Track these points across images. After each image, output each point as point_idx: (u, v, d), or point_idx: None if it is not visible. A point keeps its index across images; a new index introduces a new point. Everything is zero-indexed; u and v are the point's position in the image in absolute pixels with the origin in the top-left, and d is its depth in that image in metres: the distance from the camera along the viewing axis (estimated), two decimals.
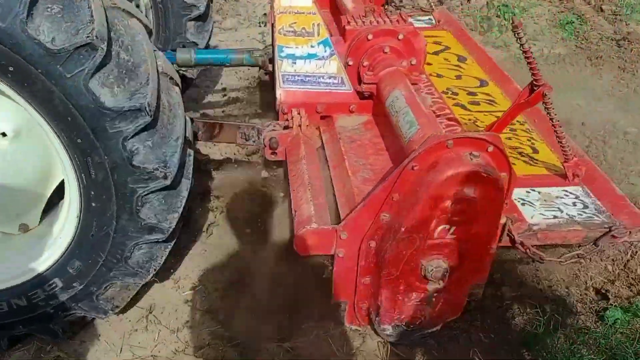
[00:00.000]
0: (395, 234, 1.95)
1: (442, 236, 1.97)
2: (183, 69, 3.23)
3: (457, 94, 2.98)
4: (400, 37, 2.55)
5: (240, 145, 3.16)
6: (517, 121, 2.68)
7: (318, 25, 2.63)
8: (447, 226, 1.95)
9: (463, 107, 2.86)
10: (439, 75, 3.16)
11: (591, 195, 2.26)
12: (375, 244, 2.04)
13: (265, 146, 2.59)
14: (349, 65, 2.49)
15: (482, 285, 2.21)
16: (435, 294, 2.13)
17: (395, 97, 2.32)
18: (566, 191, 2.28)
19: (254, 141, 2.74)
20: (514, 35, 2.07)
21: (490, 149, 1.87)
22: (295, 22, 2.65)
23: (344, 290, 2.22)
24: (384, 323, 2.21)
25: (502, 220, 2.02)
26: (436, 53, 3.40)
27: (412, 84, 2.51)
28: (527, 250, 2.07)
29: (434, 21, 3.75)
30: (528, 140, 2.62)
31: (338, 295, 2.24)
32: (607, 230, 2.07)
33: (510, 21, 2.39)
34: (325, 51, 2.63)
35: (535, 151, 2.54)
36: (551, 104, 2.22)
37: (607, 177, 2.36)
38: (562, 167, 2.35)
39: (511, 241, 2.07)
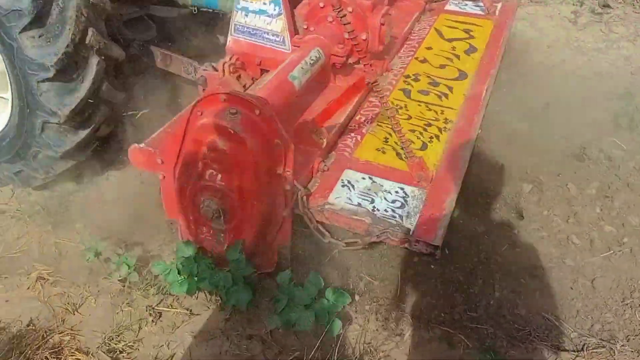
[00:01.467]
0: (180, 168, 2.18)
1: (212, 180, 2.14)
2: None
3: (416, 80, 3.11)
4: (349, 9, 2.65)
5: (185, 77, 3.34)
6: (420, 116, 2.79)
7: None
8: (213, 172, 2.12)
9: (404, 91, 3.00)
10: (423, 60, 3.30)
11: (422, 199, 2.25)
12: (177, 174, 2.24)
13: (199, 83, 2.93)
14: (304, 29, 2.55)
15: (286, 248, 2.31)
16: (221, 234, 2.29)
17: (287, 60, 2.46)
18: (402, 189, 2.31)
19: (192, 76, 3.12)
20: None
21: (257, 112, 1.97)
22: None
23: (171, 210, 2.42)
24: None
25: (288, 187, 2.11)
26: (450, 40, 3.54)
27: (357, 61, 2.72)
28: (311, 223, 2.18)
29: (480, 9, 3.89)
30: (415, 133, 2.68)
31: (169, 214, 2.46)
32: (389, 231, 2.09)
33: None
34: (275, 10, 2.76)
35: (424, 147, 2.60)
36: (386, 102, 2.35)
37: (454, 186, 2.34)
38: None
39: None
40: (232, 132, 1.96)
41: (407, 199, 2.26)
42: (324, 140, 2.38)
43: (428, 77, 3.17)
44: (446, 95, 3.02)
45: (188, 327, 2.40)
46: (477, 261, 2.69)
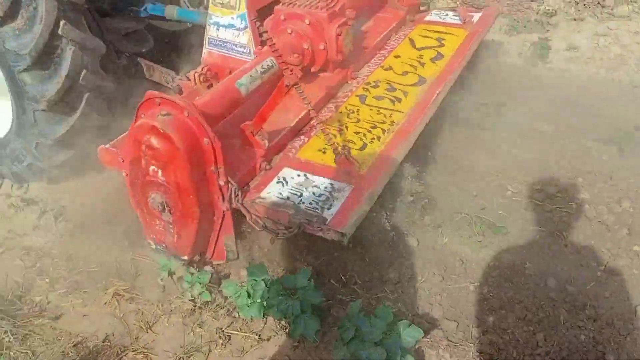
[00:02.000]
0: (130, 165, 2.39)
1: (154, 175, 2.32)
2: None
3: (375, 87, 3.26)
4: (307, 21, 2.88)
5: (165, 86, 3.64)
6: (369, 120, 2.94)
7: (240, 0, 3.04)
8: (154, 167, 2.29)
9: (360, 97, 3.16)
10: (388, 68, 3.47)
11: (346, 194, 2.39)
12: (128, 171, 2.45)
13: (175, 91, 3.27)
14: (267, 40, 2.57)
15: (232, 239, 2.52)
16: (170, 226, 2.46)
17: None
18: (332, 184, 2.45)
19: (171, 85, 3.46)
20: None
21: (186, 113, 2.19)
22: None
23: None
24: (148, 238, 2.65)
25: (222, 183, 2.31)
26: (420, 48, 3.70)
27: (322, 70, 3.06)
28: (247, 215, 2.35)
29: (459, 19, 3.98)
30: (359, 135, 2.81)
31: (135, 209, 2.58)
32: (307, 221, 2.24)
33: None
34: (241, 24, 3.07)
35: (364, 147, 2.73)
36: (305, 99, 2.50)
37: (379, 183, 2.48)
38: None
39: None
40: (162, 131, 2.17)
41: (333, 194, 2.41)
42: (266, 141, 2.55)
43: (388, 83, 3.31)
44: (399, 100, 3.14)
45: (257, 353, 2.40)
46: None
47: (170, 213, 2.41)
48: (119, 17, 3.80)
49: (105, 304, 2.68)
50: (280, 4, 3.06)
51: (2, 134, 3.33)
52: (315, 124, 2.78)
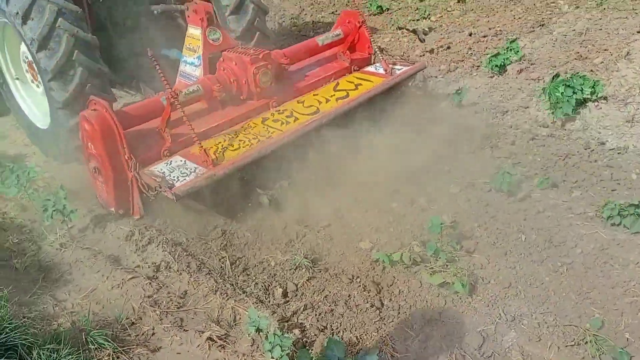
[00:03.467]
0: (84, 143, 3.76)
1: (90, 148, 3.64)
2: None
3: (280, 113, 4.26)
4: (234, 63, 4.30)
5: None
6: (255, 133, 3.97)
7: (198, 46, 4.46)
8: (89, 143, 3.64)
9: (263, 119, 4.17)
10: (301, 102, 4.45)
11: (197, 174, 3.47)
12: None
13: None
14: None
15: (140, 198, 3.71)
16: (102, 185, 3.78)
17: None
18: (196, 168, 3.54)
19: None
20: None
21: (105, 110, 3.53)
22: (191, 43, 4.57)
23: None
24: (98, 199, 4.04)
25: (126, 157, 3.56)
26: (337, 90, 4.62)
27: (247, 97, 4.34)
28: (138, 181, 3.57)
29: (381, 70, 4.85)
30: (240, 141, 3.88)
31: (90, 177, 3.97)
32: (161, 186, 3.34)
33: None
34: (198, 62, 4.49)
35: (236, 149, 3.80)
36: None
37: (223, 171, 3.50)
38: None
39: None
40: (88, 119, 3.54)
41: (190, 173, 3.50)
42: (169, 138, 3.78)
43: (291, 112, 4.27)
44: (288, 123, 4.07)
45: None
46: None
47: (100, 175, 3.71)
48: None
49: (197, 346, 2.83)
50: (226, 51, 4.37)
51: (47, 125, 4.71)
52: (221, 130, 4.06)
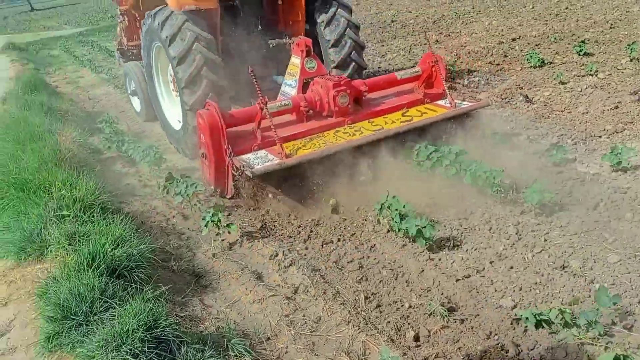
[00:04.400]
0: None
1: (201, 138, 4.81)
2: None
3: (350, 128, 5.12)
4: (320, 86, 5.28)
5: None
6: (329, 140, 4.91)
7: (297, 72, 5.53)
8: (201, 134, 4.79)
9: (335, 131, 5.07)
10: (371, 122, 5.28)
11: (273, 162, 4.46)
12: None
13: None
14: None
15: (234, 181, 4.78)
16: (206, 167, 4.92)
17: None
18: (272, 158, 4.53)
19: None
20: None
21: (214, 110, 4.61)
22: (292, 69, 5.67)
23: None
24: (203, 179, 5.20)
25: (225, 146, 4.65)
26: (404, 115, 5.38)
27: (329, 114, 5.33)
28: (231, 165, 4.66)
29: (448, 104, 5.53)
30: (313, 143, 4.84)
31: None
32: (244, 168, 4.43)
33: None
34: (295, 84, 5.56)
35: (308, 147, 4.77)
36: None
37: (293, 162, 4.49)
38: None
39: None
40: (201, 115, 4.67)
41: (269, 161, 4.47)
42: (259, 136, 4.78)
43: (360, 128, 5.09)
44: (353, 135, 4.93)
45: None
46: None
47: (206, 159, 4.82)
48: None
49: None
50: (317, 77, 5.38)
51: (180, 127, 6.14)
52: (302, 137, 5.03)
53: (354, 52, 6.34)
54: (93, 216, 4.06)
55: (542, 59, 8.14)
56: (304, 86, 5.51)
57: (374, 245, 4.14)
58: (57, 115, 7.85)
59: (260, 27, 6.80)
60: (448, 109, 5.35)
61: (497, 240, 3.95)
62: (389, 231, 4.22)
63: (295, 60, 5.62)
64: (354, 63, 6.37)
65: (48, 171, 4.75)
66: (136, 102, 8.22)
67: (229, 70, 5.78)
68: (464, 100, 5.64)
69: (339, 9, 6.35)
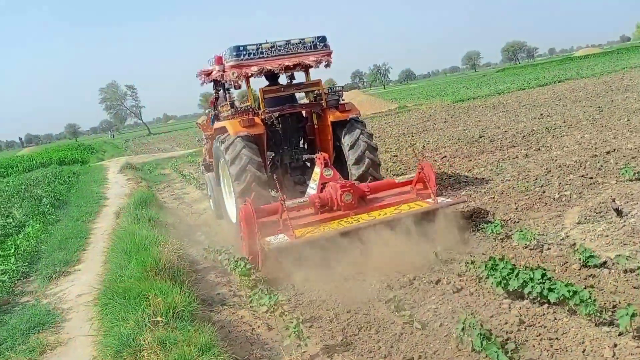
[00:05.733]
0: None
1: (241, 226, 6.68)
2: None
3: (350, 218, 6.68)
4: (331, 189, 6.99)
5: None
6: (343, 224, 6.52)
7: (317, 178, 7.24)
8: (240, 222, 6.73)
9: (339, 221, 6.58)
10: (369, 214, 6.75)
11: (283, 240, 6.06)
12: None
13: None
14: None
15: (261, 257, 6.32)
16: (245, 247, 6.58)
17: None
18: (283, 237, 6.15)
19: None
20: None
21: (249, 205, 6.38)
22: (314, 176, 7.43)
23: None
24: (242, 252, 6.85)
25: (256, 232, 6.31)
26: (395, 209, 6.81)
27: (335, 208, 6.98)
28: (260, 246, 6.25)
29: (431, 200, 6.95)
30: (319, 230, 6.36)
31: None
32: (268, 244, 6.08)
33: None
34: (315, 186, 7.26)
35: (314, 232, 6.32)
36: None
37: (299, 243, 5.92)
38: None
39: None
40: (241, 209, 6.53)
41: (283, 241, 5.99)
42: (281, 225, 6.35)
43: (359, 218, 6.57)
44: (352, 223, 6.39)
45: None
46: None
47: (244, 241, 6.41)
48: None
49: None
50: (332, 182, 7.00)
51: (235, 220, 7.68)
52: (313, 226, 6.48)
53: (371, 168, 7.98)
54: (183, 323, 4.31)
55: (638, 172, 7.83)
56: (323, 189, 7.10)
57: None
58: (163, 228, 8.57)
59: (301, 145, 8.92)
60: (430, 204, 6.73)
61: None
62: (473, 350, 4.06)
63: (317, 169, 7.31)
64: (371, 177, 7.92)
65: (148, 280, 5.16)
66: (211, 203, 10.29)
67: (275, 177, 7.34)
68: (447, 198, 7.38)
69: (361, 135, 7.99)
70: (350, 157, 7.94)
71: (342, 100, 8.48)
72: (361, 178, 7.77)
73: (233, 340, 4.63)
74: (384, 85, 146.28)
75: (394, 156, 14.27)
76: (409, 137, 18.32)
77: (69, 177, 21.08)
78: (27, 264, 8.36)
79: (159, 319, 4.29)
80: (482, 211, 7.69)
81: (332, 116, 8.12)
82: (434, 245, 6.17)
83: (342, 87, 8.84)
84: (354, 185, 6.83)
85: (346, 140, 8.01)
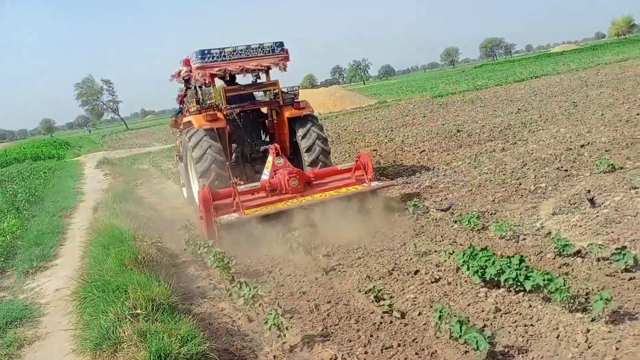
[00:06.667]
0: None
1: (200, 207, 7.71)
2: None
3: (299, 201, 7.71)
4: (279, 175, 8.03)
5: None
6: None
7: (270, 165, 8.32)
8: (199, 204, 7.71)
9: (284, 201, 7.68)
10: (309, 196, 7.91)
11: (232, 216, 7.29)
12: None
13: None
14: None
15: (216, 228, 7.27)
16: (203, 226, 7.55)
17: None
18: (238, 216, 7.31)
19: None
20: None
21: (206, 189, 7.45)
22: (268, 164, 8.45)
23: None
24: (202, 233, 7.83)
25: (212, 212, 7.41)
26: (335, 192, 8.00)
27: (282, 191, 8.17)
28: (216, 224, 7.22)
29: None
30: (263, 208, 7.58)
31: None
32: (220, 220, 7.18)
33: None
34: (267, 173, 8.27)
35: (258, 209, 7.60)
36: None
37: (247, 218, 7.17)
38: None
39: None
40: (200, 193, 7.48)
41: (234, 217, 7.13)
42: (234, 206, 7.37)
43: (302, 200, 7.64)
44: (295, 204, 7.53)
45: None
46: None
47: (202, 220, 7.35)
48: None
49: None
50: (282, 169, 7.96)
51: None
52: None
53: (321, 155, 9.08)
54: (163, 315, 4.30)
55: (612, 164, 8.02)
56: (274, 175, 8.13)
57: (436, 351, 4.05)
58: (141, 222, 8.50)
59: (261, 138, 10.08)
60: (365, 187, 7.93)
61: (565, 349, 3.77)
62: (451, 337, 4.13)
63: (270, 158, 8.25)
64: (321, 162, 9.03)
65: (127, 273, 5.13)
66: (184, 191, 11.13)
67: (237, 167, 9.21)
68: (379, 180, 8.74)
69: (313, 126, 9.11)
70: (303, 145, 9.08)
71: (297, 99, 9.52)
72: (312, 164, 8.95)
73: (214, 331, 4.64)
74: (363, 81, 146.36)
75: (374, 150, 14.35)
76: (388, 131, 18.43)
77: (44, 172, 20.76)
78: (2, 259, 8.23)
79: (139, 311, 4.28)
80: (460, 204, 7.80)
81: (288, 112, 9.23)
82: (367, 221, 7.45)
83: (299, 87, 10.00)
84: (300, 171, 7.97)
85: (300, 132, 9.15)
